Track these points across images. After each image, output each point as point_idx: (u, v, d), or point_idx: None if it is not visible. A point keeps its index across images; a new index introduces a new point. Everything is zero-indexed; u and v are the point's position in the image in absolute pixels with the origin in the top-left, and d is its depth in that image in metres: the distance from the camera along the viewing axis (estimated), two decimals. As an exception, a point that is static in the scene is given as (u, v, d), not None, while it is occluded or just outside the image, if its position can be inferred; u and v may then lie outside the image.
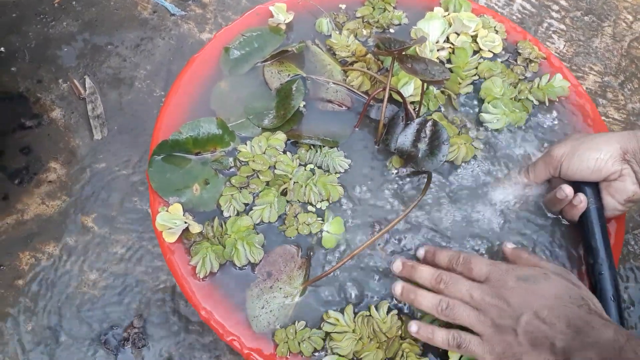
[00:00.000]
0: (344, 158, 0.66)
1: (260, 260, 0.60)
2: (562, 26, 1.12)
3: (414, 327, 0.55)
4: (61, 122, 0.92)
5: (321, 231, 0.61)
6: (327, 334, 0.57)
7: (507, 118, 0.69)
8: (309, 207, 0.63)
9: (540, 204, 0.66)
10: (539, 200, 0.66)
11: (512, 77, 0.73)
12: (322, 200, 0.63)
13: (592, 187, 0.61)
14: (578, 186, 0.61)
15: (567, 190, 0.60)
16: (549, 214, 0.66)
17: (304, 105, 0.70)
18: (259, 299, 0.58)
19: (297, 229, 0.61)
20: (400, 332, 0.57)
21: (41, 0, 1.03)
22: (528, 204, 0.66)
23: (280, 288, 0.59)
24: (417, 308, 0.56)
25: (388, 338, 0.56)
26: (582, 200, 0.60)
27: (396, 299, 0.58)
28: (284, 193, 0.63)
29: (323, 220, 0.62)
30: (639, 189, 0.59)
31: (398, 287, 0.57)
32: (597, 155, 0.59)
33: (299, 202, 0.63)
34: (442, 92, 0.71)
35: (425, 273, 0.56)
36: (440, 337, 0.53)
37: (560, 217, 0.65)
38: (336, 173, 0.65)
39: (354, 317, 0.57)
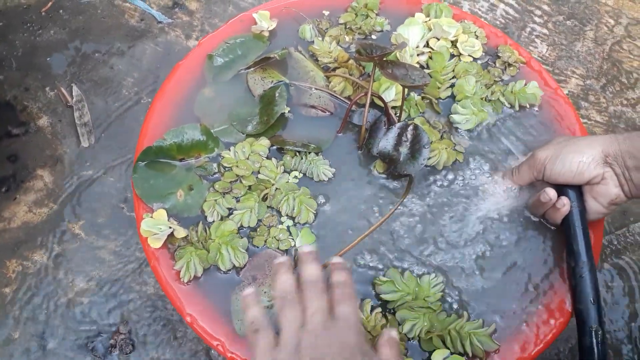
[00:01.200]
0: (328, 167, 0.67)
1: (245, 264, 0.61)
2: (545, 30, 1.14)
3: None
4: (48, 129, 0.92)
5: (295, 248, 0.62)
6: None
7: (476, 118, 0.71)
8: (282, 219, 0.63)
9: (521, 207, 0.67)
10: (522, 203, 0.67)
11: (488, 78, 0.74)
12: (289, 217, 0.64)
13: (575, 191, 0.62)
14: (561, 189, 0.62)
15: (551, 193, 0.61)
16: (532, 217, 0.66)
17: (289, 111, 0.71)
18: None
19: (265, 241, 0.62)
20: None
21: (28, 8, 1.04)
22: (510, 206, 0.67)
23: (265, 292, 0.60)
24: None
25: (373, 336, 0.57)
26: (565, 204, 0.61)
27: None
28: (264, 198, 0.64)
29: (292, 237, 0.62)
30: (622, 192, 0.60)
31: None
32: (579, 159, 0.59)
33: (275, 209, 0.64)
34: (423, 97, 0.73)
35: (284, 282, 0.50)
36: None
37: (543, 220, 0.66)
38: (320, 181, 0.66)
39: None
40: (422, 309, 0.59)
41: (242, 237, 0.62)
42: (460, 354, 0.57)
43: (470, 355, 0.57)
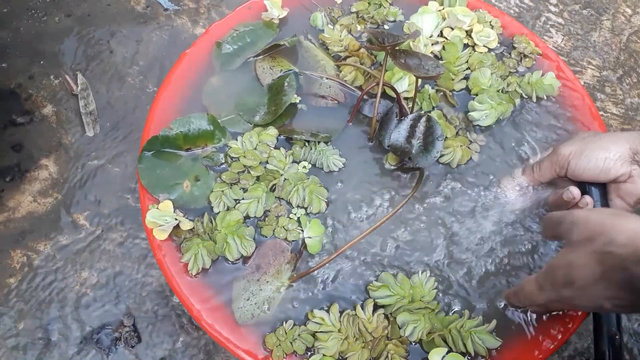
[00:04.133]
0: (338, 157, 0.65)
1: (253, 253, 0.59)
2: (560, 20, 1.11)
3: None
4: (53, 118, 0.91)
5: (302, 239, 0.60)
6: (314, 333, 0.56)
7: (496, 112, 0.68)
8: (293, 211, 0.62)
9: (538, 205, 0.65)
10: (540, 201, 0.65)
11: (503, 70, 0.72)
12: (301, 207, 0.62)
13: (599, 189, 0.60)
14: (584, 187, 0.60)
15: (575, 192, 0.58)
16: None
17: (300, 101, 0.69)
18: (245, 290, 0.58)
19: (273, 230, 0.60)
20: (386, 332, 0.56)
21: (33, -5, 1.02)
22: (528, 204, 0.65)
23: (268, 281, 0.58)
24: None
25: (374, 338, 0.55)
26: (588, 203, 0.58)
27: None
28: (273, 189, 0.63)
29: (302, 227, 0.61)
30: None
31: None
32: (605, 155, 0.57)
33: (285, 200, 0.62)
34: (437, 90, 0.70)
35: None
36: None
37: None
38: (330, 172, 0.64)
39: (340, 317, 0.57)
40: (421, 310, 0.57)
41: (248, 226, 0.60)
42: (462, 353, 0.55)
43: (473, 354, 0.56)
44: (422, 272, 0.60)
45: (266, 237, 0.60)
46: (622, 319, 0.56)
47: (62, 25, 1.00)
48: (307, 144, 0.65)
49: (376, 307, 0.58)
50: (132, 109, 0.92)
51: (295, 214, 0.62)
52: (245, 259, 0.59)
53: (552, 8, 1.12)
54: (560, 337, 0.58)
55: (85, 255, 0.79)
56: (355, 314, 0.57)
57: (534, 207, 0.64)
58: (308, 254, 0.60)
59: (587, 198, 0.58)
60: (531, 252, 0.63)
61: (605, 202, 0.59)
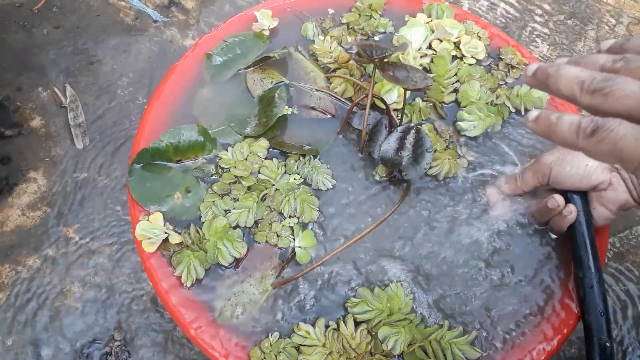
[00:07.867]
0: (330, 177, 0.65)
1: (246, 255, 0.59)
2: (546, 30, 1.12)
3: (533, 112, 0.39)
4: (42, 131, 0.90)
5: (293, 247, 0.60)
6: (298, 346, 0.56)
7: (483, 123, 0.69)
8: (285, 220, 0.62)
9: (521, 214, 0.65)
10: (523, 210, 0.65)
11: (492, 82, 0.73)
12: (293, 217, 0.62)
13: (581, 197, 0.61)
14: (566, 195, 0.61)
15: (559, 199, 0.59)
16: (535, 226, 0.65)
17: (292, 112, 0.69)
18: (228, 290, 0.58)
19: (266, 237, 0.61)
20: (370, 348, 0.56)
21: (20, 7, 1.02)
22: (511, 214, 0.65)
23: (251, 284, 0.58)
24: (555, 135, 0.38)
25: (357, 354, 0.55)
26: (572, 211, 0.59)
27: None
28: (263, 199, 0.63)
29: (294, 235, 0.61)
30: (630, 197, 0.59)
31: (533, 113, 0.39)
32: (586, 162, 0.58)
33: (277, 211, 0.62)
34: (427, 102, 0.71)
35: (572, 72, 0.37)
36: (567, 121, 0.37)
37: (546, 227, 0.64)
38: (317, 189, 0.65)
39: (325, 331, 0.57)
40: (401, 322, 0.57)
41: (236, 229, 0.60)
42: None
43: None
44: (397, 283, 0.60)
45: (259, 243, 0.61)
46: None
47: (50, 36, 0.99)
48: (301, 157, 0.65)
49: (358, 322, 0.58)
50: (122, 120, 0.92)
51: (287, 223, 0.62)
52: (238, 262, 0.59)
53: (538, 18, 1.14)
54: (549, 348, 0.58)
55: (75, 268, 0.79)
56: (339, 329, 0.57)
57: (517, 216, 0.65)
58: (296, 264, 0.60)
59: (571, 206, 0.59)
60: (512, 261, 0.63)
61: (587, 210, 0.60)
